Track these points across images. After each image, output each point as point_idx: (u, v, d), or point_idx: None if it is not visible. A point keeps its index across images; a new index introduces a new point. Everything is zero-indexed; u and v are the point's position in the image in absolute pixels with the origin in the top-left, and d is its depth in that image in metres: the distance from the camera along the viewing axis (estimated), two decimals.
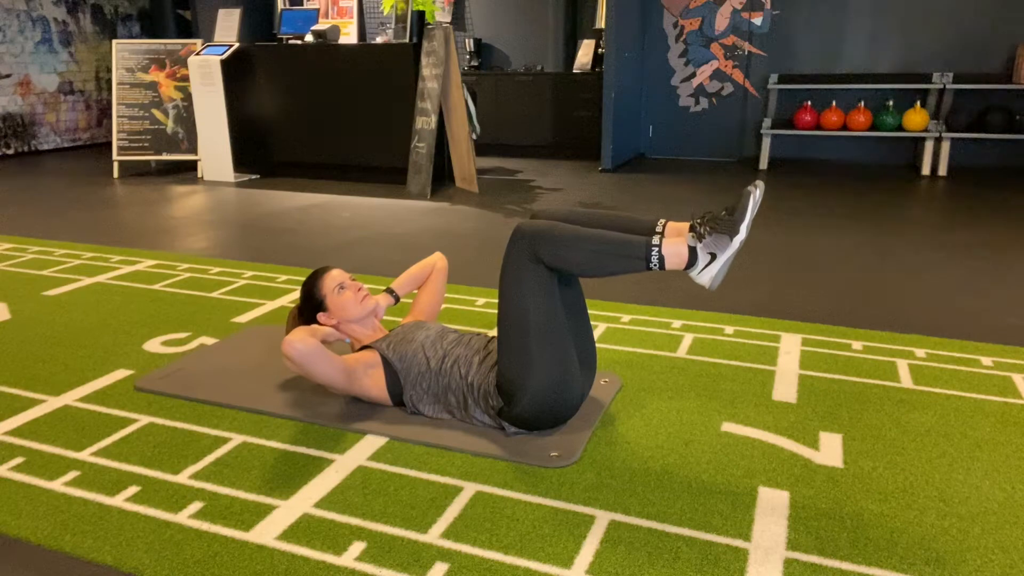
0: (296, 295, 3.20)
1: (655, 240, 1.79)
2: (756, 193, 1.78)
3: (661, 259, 1.78)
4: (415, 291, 2.45)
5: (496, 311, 1.97)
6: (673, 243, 1.79)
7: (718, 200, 5.28)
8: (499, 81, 7.52)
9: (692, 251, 1.78)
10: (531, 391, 1.87)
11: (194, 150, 6.50)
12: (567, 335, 1.91)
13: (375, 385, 2.06)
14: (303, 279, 3.40)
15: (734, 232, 1.76)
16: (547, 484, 1.76)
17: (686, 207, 5.03)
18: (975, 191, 5.47)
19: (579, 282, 2.03)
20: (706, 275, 1.79)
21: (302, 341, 1.92)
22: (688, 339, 2.66)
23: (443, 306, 3.02)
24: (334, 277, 2.19)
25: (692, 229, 1.85)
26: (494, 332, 2.65)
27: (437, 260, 2.44)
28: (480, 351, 2.04)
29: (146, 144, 6.51)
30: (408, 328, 2.15)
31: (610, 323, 2.82)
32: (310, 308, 2.19)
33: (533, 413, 1.91)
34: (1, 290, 3.32)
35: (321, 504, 1.69)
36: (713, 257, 1.77)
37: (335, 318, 2.17)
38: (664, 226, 1.94)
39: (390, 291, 2.34)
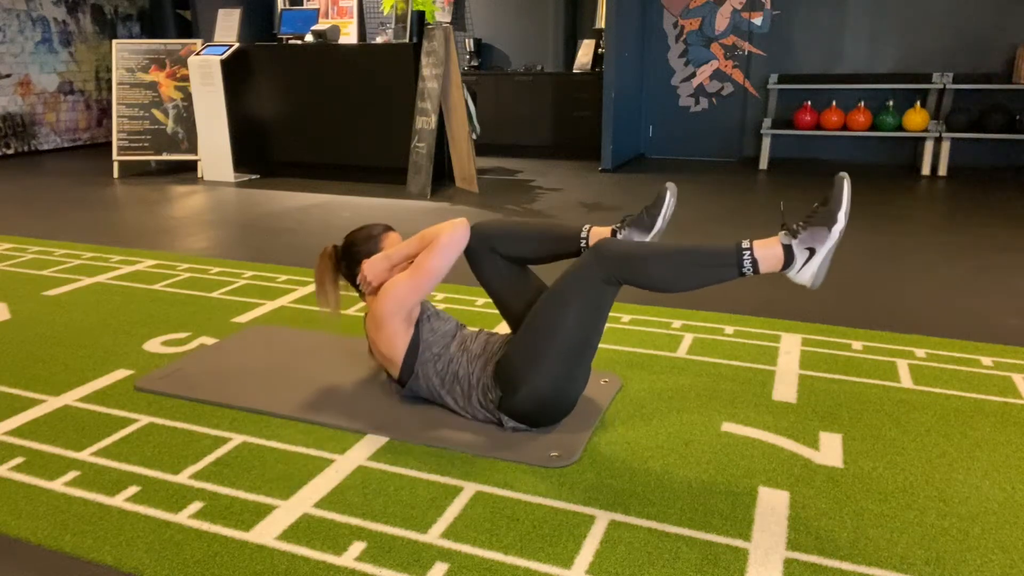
0: (297, 294, 3.20)
1: (745, 244, 1.73)
2: (848, 178, 1.70)
3: (755, 262, 1.72)
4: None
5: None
6: (766, 244, 1.72)
7: (718, 200, 5.28)
8: (499, 81, 7.52)
9: (788, 249, 1.70)
10: (532, 386, 1.88)
11: (194, 150, 6.50)
12: (588, 354, 1.92)
13: (400, 340, 2.00)
14: (303, 279, 3.41)
15: (832, 222, 1.68)
16: (547, 484, 1.76)
17: (686, 207, 5.03)
18: (975, 191, 5.47)
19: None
20: (807, 272, 1.71)
21: (466, 231, 1.92)
22: (688, 339, 2.66)
23: (443, 306, 3.01)
24: (393, 240, 2.14)
25: (619, 228, 1.90)
26: (491, 330, 2.64)
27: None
28: (483, 344, 2.05)
29: (146, 144, 6.51)
30: (437, 311, 2.14)
31: (610, 323, 2.82)
32: (355, 254, 2.11)
33: (531, 407, 1.92)
34: (1, 290, 3.32)
35: (321, 504, 1.69)
36: (812, 252, 1.70)
37: None
38: (589, 231, 1.99)
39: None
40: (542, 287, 2.07)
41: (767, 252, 1.71)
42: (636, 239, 1.87)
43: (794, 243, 1.71)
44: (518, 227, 2.09)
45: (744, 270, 1.72)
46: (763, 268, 1.73)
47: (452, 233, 1.92)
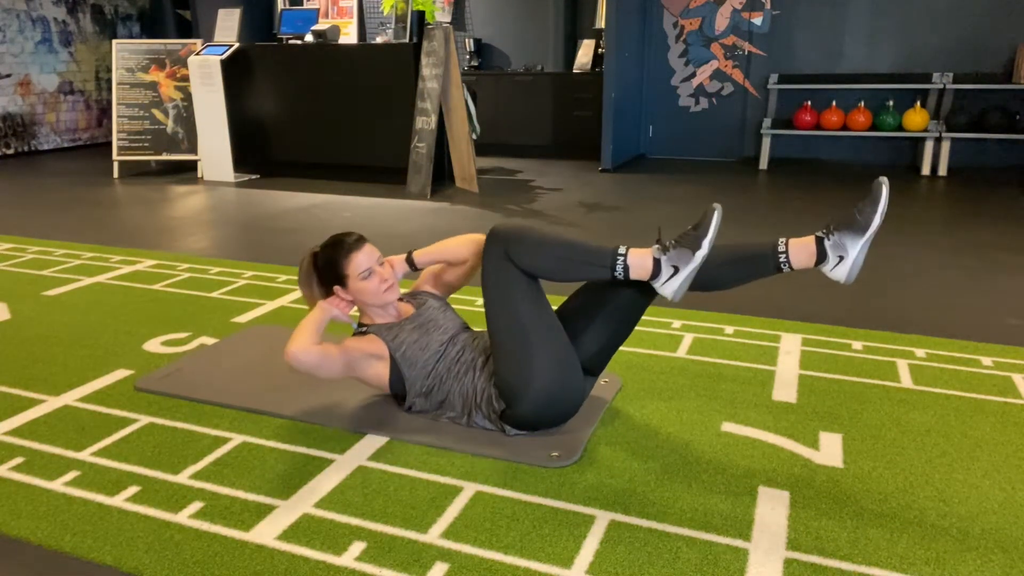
0: (297, 294, 3.20)
1: (621, 249, 1.83)
2: (720, 210, 1.79)
3: (626, 268, 1.81)
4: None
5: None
6: (639, 254, 1.82)
7: (718, 200, 5.27)
8: (499, 81, 7.52)
9: (656, 263, 1.80)
10: (531, 392, 1.87)
11: (194, 150, 6.50)
12: (559, 334, 1.91)
13: (377, 376, 2.04)
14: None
15: (696, 247, 1.77)
16: (547, 484, 1.76)
17: (686, 207, 5.03)
18: (975, 191, 5.47)
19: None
20: (669, 287, 1.81)
21: (304, 352, 1.90)
22: (688, 339, 2.66)
23: None
24: (366, 257, 2.03)
25: (827, 235, 1.82)
26: None
27: (473, 256, 2.10)
28: (483, 352, 2.04)
29: (146, 144, 6.51)
30: (423, 326, 2.07)
31: None
32: (330, 277, 2.07)
33: (534, 414, 1.91)
34: (1, 290, 3.32)
35: (321, 504, 1.69)
36: (676, 270, 1.79)
37: (352, 296, 2.06)
38: (787, 244, 1.88)
39: (410, 260, 2.15)
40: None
41: (638, 261, 1.81)
42: (849, 243, 1.80)
43: (663, 258, 1.80)
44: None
45: (616, 273, 1.82)
46: (633, 275, 1.82)
47: (295, 369, 1.95)
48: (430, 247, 2.16)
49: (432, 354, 2.03)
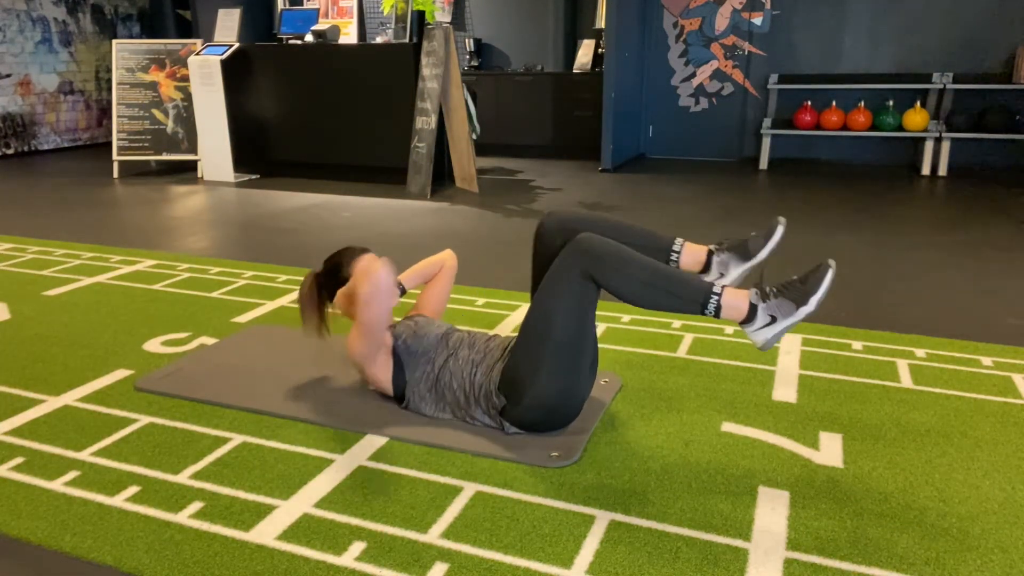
0: (297, 294, 3.20)
1: (717, 288, 1.76)
2: (834, 267, 1.73)
3: (718, 308, 1.74)
4: (421, 286, 2.44)
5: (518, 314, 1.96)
6: (735, 295, 1.75)
7: (718, 200, 5.28)
8: (499, 81, 7.52)
9: (753, 308, 1.74)
10: (534, 395, 1.87)
11: (194, 150, 6.50)
12: (586, 352, 1.91)
13: (382, 369, 2.07)
14: (303, 279, 3.40)
15: (803, 303, 1.71)
16: (547, 484, 1.76)
17: (686, 207, 5.03)
18: (975, 191, 5.48)
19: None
20: (760, 336, 1.75)
21: (390, 274, 1.92)
22: (688, 339, 2.66)
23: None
24: (370, 258, 2.21)
25: (717, 251, 1.83)
26: (494, 332, 2.65)
27: (447, 259, 2.41)
28: (483, 349, 2.04)
29: (146, 144, 6.51)
30: (420, 322, 2.14)
31: (610, 323, 2.82)
32: (333, 283, 2.22)
33: (533, 416, 1.91)
34: (1, 290, 3.32)
35: (321, 504, 1.69)
36: (773, 320, 1.73)
37: None
38: (682, 246, 1.94)
39: (397, 284, 2.30)
40: None
41: (733, 303, 1.75)
42: (733, 266, 1.82)
43: (761, 306, 1.74)
44: (604, 221, 2.01)
45: (707, 311, 1.76)
46: (724, 315, 1.76)
47: (369, 289, 1.93)
48: (409, 269, 2.38)
49: (429, 344, 2.07)
